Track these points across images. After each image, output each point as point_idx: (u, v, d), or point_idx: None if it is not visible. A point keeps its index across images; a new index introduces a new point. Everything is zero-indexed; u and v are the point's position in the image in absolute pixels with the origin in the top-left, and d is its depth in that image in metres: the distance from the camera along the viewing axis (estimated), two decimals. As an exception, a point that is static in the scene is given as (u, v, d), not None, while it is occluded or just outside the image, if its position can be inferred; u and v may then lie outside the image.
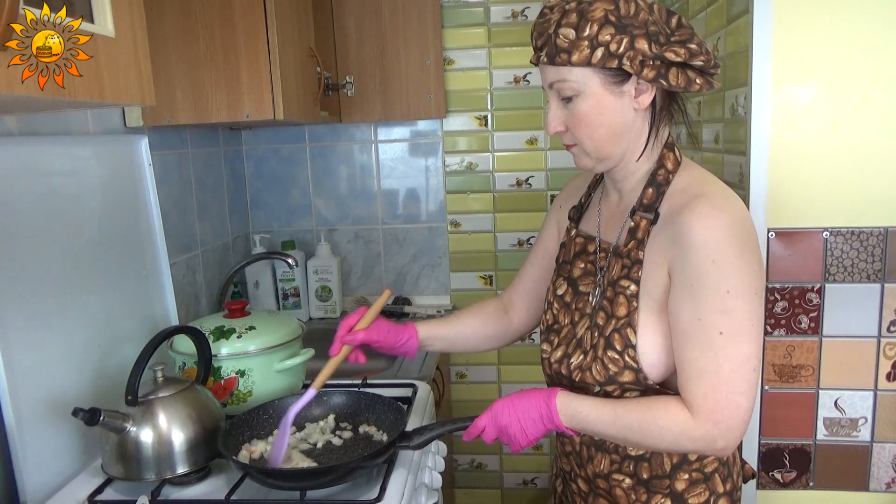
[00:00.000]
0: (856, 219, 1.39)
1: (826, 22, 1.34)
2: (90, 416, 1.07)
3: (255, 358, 1.37)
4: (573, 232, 1.20)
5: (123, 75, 0.89)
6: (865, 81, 1.35)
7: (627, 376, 1.03)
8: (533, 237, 2.41)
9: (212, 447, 1.17)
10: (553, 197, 2.39)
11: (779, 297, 1.42)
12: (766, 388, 1.46)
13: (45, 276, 1.21)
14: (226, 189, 2.20)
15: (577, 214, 1.22)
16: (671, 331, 1.01)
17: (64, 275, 1.26)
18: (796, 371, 1.44)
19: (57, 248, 1.25)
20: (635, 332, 1.02)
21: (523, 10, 2.31)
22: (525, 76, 2.34)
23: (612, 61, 0.97)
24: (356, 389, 1.37)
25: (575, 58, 0.97)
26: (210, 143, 2.09)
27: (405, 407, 1.35)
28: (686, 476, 1.07)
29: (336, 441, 1.24)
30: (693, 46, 0.97)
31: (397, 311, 2.36)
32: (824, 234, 1.40)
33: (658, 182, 1.06)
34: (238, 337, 1.37)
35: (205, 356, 1.29)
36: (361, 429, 1.27)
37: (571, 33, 0.97)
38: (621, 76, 0.99)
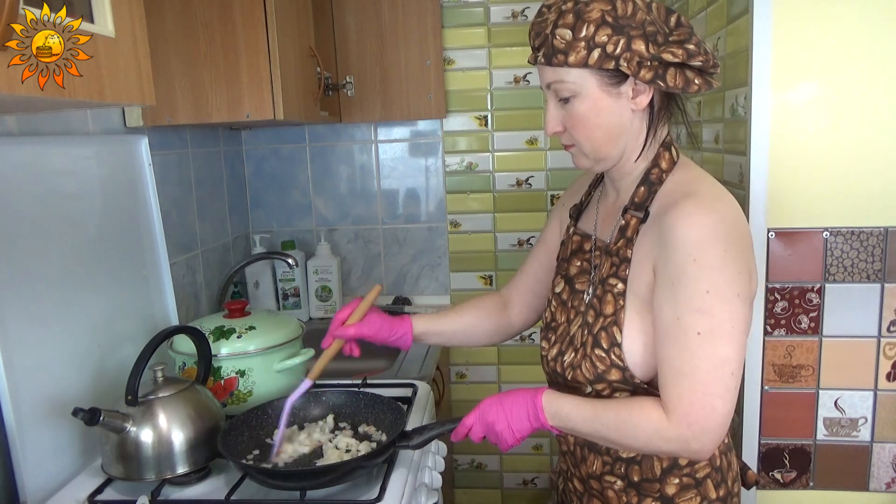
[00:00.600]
0: (856, 219, 1.38)
1: (826, 22, 1.34)
2: (90, 416, 1.07)
3: (255, 358, 1.37)
4: (571, 230, 1.20)
5: (123, 75, 0.89)
6: (865, 81, 1.35)
7: (615, 374, 1.03)
8: (533, 237, 2.41)
9: (212, 447, 1.17)
10: (553, 197, 2.40)
11: (779, 297, 1.42)
12: (766, 388, 1.46)
13: (45, 276, 1.21)
14: (226, 189, 2.20)
15: (576, 213, 1.22)
16: (654, 329, 0.99)
17: (64, 275, 1.26)
18: (796, 371, 1.44)
19: (57, 248, 1.25)
20: (621, 331, 1.01)
21: (523, 10, 2.31)
22: (525, 76, 2.34)
23: (608, 62, 0.96)
24: (356, 389, 1.37)
25: (572, 59, 0.97)
26: (210, 143, 2.09)
27: (405, 407, 1.35)
28: (676, 480, 1.06)
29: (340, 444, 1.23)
30: (691, 47, 0.96)
31: (397, 312, 2.36)
32: (824, 234, 1.40)
33: (651, 181, 1.05)
34: (238, 337, 1.38)
35: (205, 356, 1.29)
36: (361, 428, 1.27)
37: (568, 34, 0.96)
38: (618, 77, 0.99)
